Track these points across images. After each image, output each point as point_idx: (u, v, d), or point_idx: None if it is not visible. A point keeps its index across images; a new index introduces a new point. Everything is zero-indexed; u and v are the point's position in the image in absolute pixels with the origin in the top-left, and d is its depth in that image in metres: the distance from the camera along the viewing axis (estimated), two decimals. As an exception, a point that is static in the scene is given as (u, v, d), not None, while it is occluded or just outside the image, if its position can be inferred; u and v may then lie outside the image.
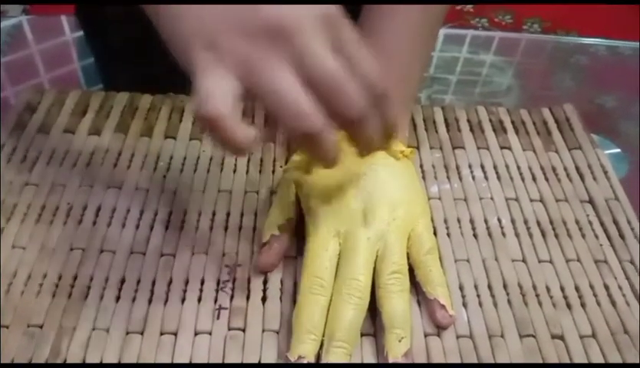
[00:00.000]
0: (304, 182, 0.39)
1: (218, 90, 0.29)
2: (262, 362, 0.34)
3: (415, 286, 0.37)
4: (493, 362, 0.35)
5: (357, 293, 0.35)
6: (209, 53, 0.30)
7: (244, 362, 0.34)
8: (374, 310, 0.36)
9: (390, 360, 0.33)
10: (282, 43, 0.29)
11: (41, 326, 0.35)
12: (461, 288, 0.38)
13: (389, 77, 0.42)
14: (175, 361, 0.34)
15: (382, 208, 0.37)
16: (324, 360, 0.33)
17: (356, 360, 0.34)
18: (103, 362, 0.33)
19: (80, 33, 0.69)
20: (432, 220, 0.42)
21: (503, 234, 0.42)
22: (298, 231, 0.39)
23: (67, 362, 0.33)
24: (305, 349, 0.33)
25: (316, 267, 0.36)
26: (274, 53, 0.29)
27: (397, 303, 0.35)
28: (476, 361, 0.35)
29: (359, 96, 0.31)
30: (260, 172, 0.45)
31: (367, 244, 0.36)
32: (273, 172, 0.45)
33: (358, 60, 0.31)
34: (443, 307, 0.36)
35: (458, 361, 0.35)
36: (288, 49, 0.29)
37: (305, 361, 0.33)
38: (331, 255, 0.36)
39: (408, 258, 0.37)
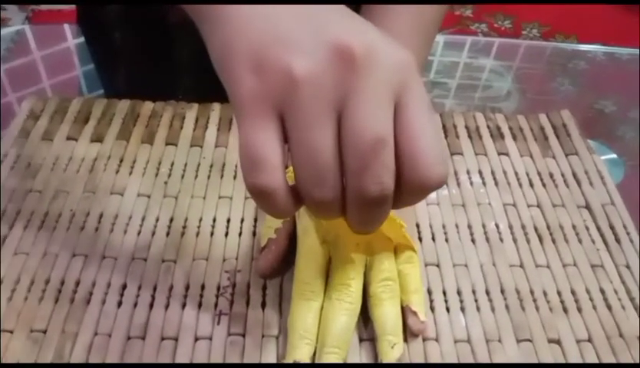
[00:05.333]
0: None
1: (268, 154, 0.25)
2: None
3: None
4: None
5: (347, 298, 0.35)
6: (255, 78, 0.25)
7: (244, 366, 0.34)
8: (370, 317, 0.36)
9: (384, 366, 0.34)
10: (341, 77, 0.24)
11: (44, 331, 0.35)
12: (459, 293, 0.39)
13: None
14: (176, 365, 0.34)
15: None
16: None
17: (355, 364, 0.35)
18: (106, 366, 0.34)
19: (82, 39, 0.69)
20: (430, 225, 0.43)
21: (501, 239, 0.42)
22: (295, 237, 0.40)
23: (70, 366, 0.34)
24: (299, 353, 0.34)
25: (306, 273, 0.36)
26: (326, 91, 0.24)
27: (389, 309, 0.35)
28: (473, 365, 0.35)
29: (384, 182, 0.25)
30: (260, 178, 0.45)
31: (356, 250, 0.37)
32: (273, 178, 0.45)
33: (410, 137, 0.25)
34: (414, 313, 0.36)
35: (456, 365, 0.35)
36: (344, 90, 0.24)
37: (301, 365, 0.33)
38: (321, 262, 0.37)
39: None
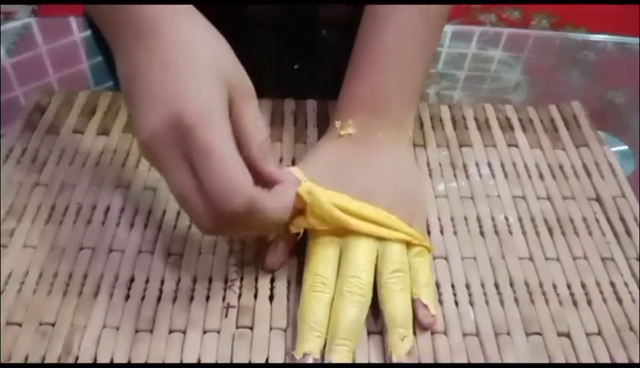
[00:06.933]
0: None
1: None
2: (270, 359, 0.34)
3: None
4: (499, 359, 0.35)
5: (358, 290, 0.35)
6: None
7: (252, 359, 0.34)
8: (380, 309, 0.36)
9: (394, 360, 0.34)
10: (150, 158, 0.32)
11: (52, 324, 0.35)
12: (468, 286, 0.38)
13: (390, 75, 0.42)
14: (184, 359, 0.34)
15: (380, 208, 0.38)
16: (327, 359, 0.34)
17: (363, 359, 0.35)
18: (114, 360, 0.34)
19: (88, 32, 0.69)
20: (439, 218, 0.42)
21: (510, 232, 0.42)
22: (304, 231, 0.40)
23: (79, 360, 0.34)
24: (309, 346, 0.34)
25: (317, 265, 0.36)
26: (154, 163, 0.32)
27: (399, 302, 0.35)
28: (482, 359, 0.35)
29: (200, 221, 0.32)
30: (267, 171, 0.45)
31: (367, 242, 0.37)
32: (280, 171, 0.45)
33: (205, 179, 0.30)
34: (425, 306, 0.36)
35: (464, 359, 0.35)
36: (155, 163, 0.32)
37: (310, 358, 0.33)
38: (332, 254, 0.37)
39: None
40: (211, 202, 0.30)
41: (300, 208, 0.36)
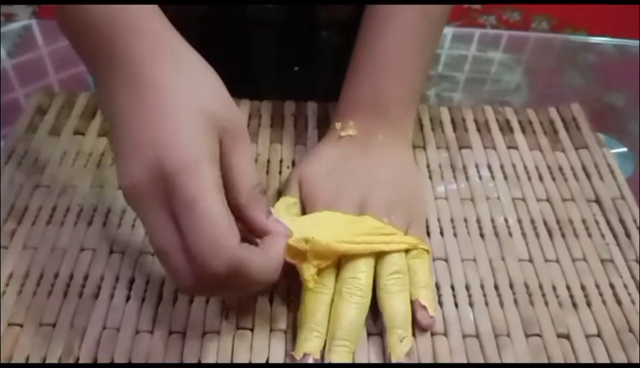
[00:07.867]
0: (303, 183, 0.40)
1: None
2: (270, 361, 0.34)
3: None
4: (499, 361, 0.35)
5: (357, 291, 0.35)
6: None
7: (252, 361, 0.34)
8: (380, 310, 0.36)
9: (393, 360, 0.34)
10: (132, 206, 0.30)
11: (53, 325, 0.35)
12: (468, 288, 0.38)
13: (391, 77, 0.43)
14: (184, 360, 0.34)
15: (379, 209, 0.38)
16: (326, 359, 0.34)
17: (362, 360, 0.35)
18: (114, 361, 0.34)
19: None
20: (439, 220, 0.42)
21: (510, 233, 0.42)
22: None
23: (80, 360, 0.34)
24: (309, 346, 0.34)
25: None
26: (135, 211, 0.30)
27: (398, 303, 0.35)
28: (482, 360, 0.35)
29: (179, 280, 0.29)
30: (267, 172, 0.45)
31: None
32: (280, 172, 0.45)
33: (188, 234, 0.28)
34: (424, 307, 0.36)
35: (464, 360, 0.35)
36: (136, 211, 0.30)
37: (310, 358, 0.33)
38: None
39: None
40: (192, 261, 0.28)
41: (298, 256, 0.35)
